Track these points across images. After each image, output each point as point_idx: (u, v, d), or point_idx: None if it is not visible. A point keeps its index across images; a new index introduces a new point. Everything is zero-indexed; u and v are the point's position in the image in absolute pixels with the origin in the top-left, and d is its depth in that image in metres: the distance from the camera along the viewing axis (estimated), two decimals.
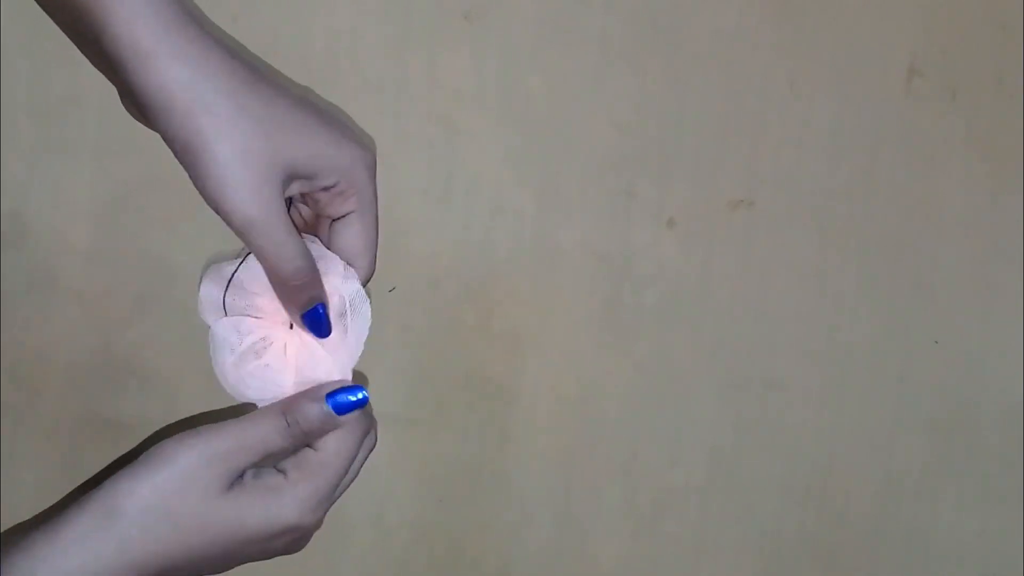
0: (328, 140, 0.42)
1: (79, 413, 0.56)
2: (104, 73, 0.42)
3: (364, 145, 0.43)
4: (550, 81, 0.57)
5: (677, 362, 0.59)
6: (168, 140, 0.39)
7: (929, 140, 0.59)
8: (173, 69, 0.38)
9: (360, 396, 0.43)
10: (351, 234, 0.44)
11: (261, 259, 0.41)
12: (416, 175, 0.56)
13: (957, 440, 0.60)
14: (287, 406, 0.42)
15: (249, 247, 0.40)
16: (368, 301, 0.45)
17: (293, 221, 0.43)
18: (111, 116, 0.54)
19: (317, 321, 0.43)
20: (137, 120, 0.42)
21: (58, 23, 0.41)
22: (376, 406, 0.56)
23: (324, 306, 0.43)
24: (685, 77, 0.57)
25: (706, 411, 0.59)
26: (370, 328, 0.45)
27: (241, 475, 0.42)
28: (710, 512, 0.60)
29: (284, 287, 0.42)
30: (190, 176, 0.40)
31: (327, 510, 0.44)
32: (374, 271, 0.45)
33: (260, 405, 0.44)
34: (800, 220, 0.59)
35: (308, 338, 0.44)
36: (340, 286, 0.44)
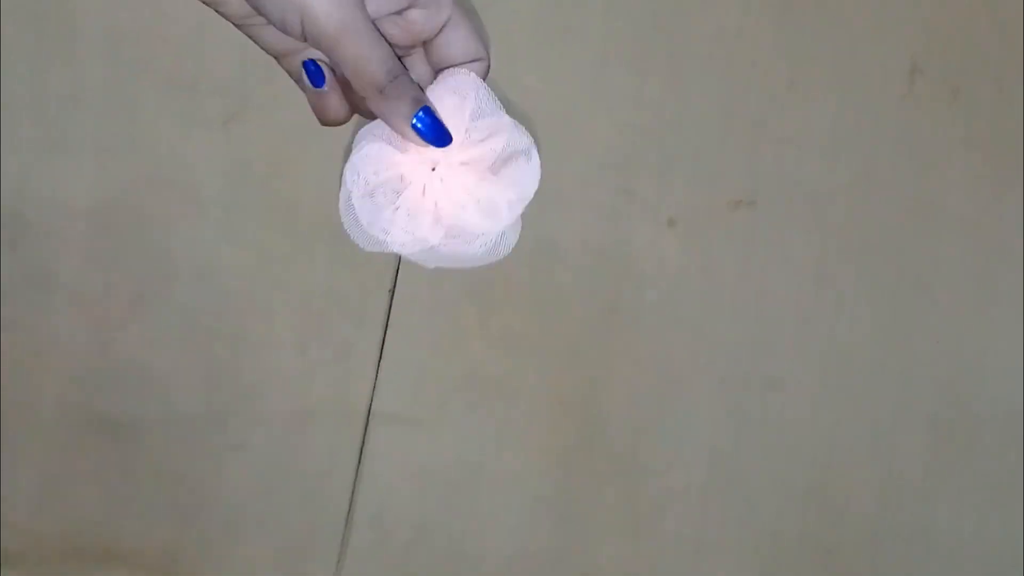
0: None
1: (79, 413, 0.56)
2: None
3: None
4: (549, 81, 0.57)
5: (677, 362, 0.59)
6: None
7: (929, 140, 0.59)
8: None
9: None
10: (462, 36, 0.40)
11: (355, 68, 0.37)
12: None
13: (957, 440, 0.60)
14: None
15: (336, 57, 0.37)
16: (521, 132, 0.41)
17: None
18: (111, 116, 0.55)
19: (432, 127, 0.39)
20: None
21: None
22: (376, 406, 0.57)
23: (430, 108, 0.39)
24: (685, 77, 0.57)
25: (706, 411, 0.59)
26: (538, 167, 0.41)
27: None
28: (710, 512, 0.60)
29: (385, 99, 0.38)
30: (265, 7, 0.37)
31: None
32: (490, 67, 0.41)
33: (394, 250, 0.40)
34: (800, 220, 0.59)
35: (454, 183, 0.40)
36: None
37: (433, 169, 0.40)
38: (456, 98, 0.40)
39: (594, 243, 0.58)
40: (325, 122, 0.41)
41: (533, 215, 0.58)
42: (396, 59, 0.38)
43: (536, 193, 0.58)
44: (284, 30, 0.37)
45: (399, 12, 0.39)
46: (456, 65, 0.41)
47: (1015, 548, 0.61)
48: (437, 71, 0.41)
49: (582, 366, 0.58)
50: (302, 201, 0.56)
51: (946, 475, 0.60)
